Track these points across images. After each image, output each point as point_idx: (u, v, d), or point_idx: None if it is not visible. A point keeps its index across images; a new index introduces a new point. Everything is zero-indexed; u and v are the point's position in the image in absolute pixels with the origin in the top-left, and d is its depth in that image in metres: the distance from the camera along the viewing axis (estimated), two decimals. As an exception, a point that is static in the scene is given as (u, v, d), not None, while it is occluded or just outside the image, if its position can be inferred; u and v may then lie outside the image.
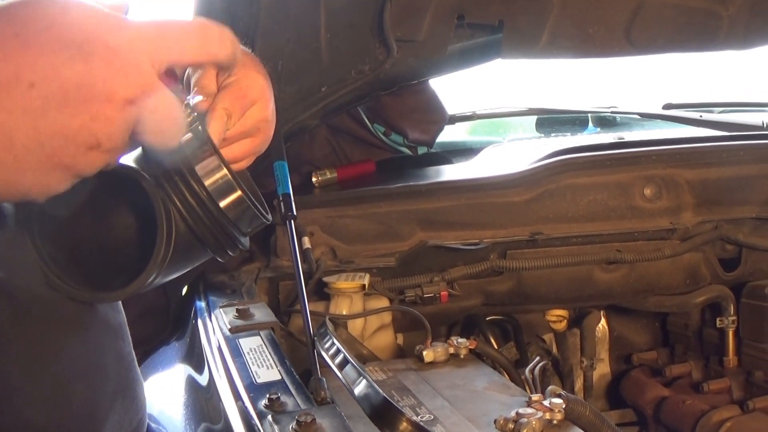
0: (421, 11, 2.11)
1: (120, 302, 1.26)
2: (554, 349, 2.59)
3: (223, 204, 0.99)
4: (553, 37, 2.24)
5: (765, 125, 2.77)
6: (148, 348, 2.11)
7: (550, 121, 4.01)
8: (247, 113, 1.10)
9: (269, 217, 1.11)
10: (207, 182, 0.98)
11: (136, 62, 0.80)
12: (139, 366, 2.10)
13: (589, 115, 4.00)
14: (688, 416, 2.24)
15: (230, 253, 1.07)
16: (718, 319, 2.35)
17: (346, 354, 1.46)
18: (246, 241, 1.09)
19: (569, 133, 3.95)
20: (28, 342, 1.02)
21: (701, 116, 3.00)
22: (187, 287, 2.21)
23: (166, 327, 2.20)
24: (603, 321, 2.66)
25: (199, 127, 0.99)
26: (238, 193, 1.00)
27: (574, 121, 4.06)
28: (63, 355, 1.07)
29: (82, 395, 1.10)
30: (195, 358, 1.73)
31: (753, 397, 2.20)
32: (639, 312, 2.58)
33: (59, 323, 1.07)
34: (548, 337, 2.61)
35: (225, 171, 0.99)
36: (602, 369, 2.67)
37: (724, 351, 2.36)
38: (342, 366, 1.44)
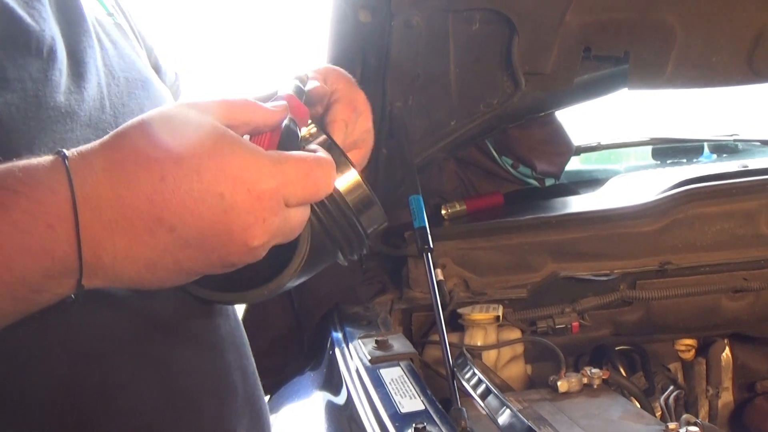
0: (549, 44, 2.12)
1: (241, 323, 1.30)
2: (680, 378, 2.58)
3: (350, 200, 1.03)
4: (678, 66, 2.23)
5: None
6: (280, 377, 2.15)
7: (667, 149, 3.97)
8: (356, 124, 1.17)
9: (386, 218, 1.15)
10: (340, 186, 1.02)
11: (274, 208, 0.85)
12: (273, 395, 2.15)
13: (705, 143, 3.96)
14: (814, 443, 2.23)
15: (356, 255, 1.11)
16: (844, 346, 2.33)
17: (488, 384, 1.49)
18: (366, 243, 1.13)
19: (685, 160, 3.93)
20: (157, 359, 1.05)
21: (823, 142, 2.97)
22: (321, 319, 2.24)
23: (299, 357, 2.23)
24: (727, 349, 2.63)
25: (323, 135, 1.04)
26: (365, 190, 1.04)
27: (691, 149, 4.02)
28: (191, 372, 1.10)
29: (212, 411, 1.13)
30: (334, 387, 1.76)
31: None
32: (762, 339, 2.54)
33: (186, 340, 1.11)
34: (673, 366, 2.59)
35: (355, 173, 1.03)
36: (725, 397, 2.63)
37: None
38: (484, 396, 1.47)
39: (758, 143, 3.32)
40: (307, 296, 2.21)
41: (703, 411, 2.58)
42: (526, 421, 1.31)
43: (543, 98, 2.35)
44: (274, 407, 2.00)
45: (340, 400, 1.68)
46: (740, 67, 2.28)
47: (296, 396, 1.97)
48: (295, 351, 2.27)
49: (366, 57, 2.03)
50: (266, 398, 2.26)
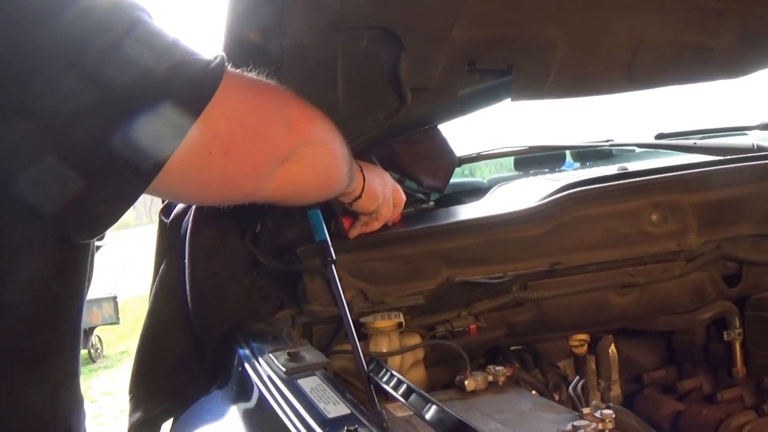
0: (435, 60, 2.19)
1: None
2: (570, 375, 2.66)
3: None
4: (560, 77, 2.34)
5: (755, 147, 2.88)
6: (184, 398, 2.12)
7: (530, 159, 4.05)
8: None
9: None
10: None
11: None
12: (179, 417, 2.14)
13: (567, 152, 4.07)
14: (707, 425, 2.33)
15: None
16: (725, 333, 2.46)
17: (409, 384, 1.54)
18: None
19: (547, 169, 4.03)
20: None
21: (695, 143, 3.10)
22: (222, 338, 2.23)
23: (202, 377, 2.22)
24: (612, 344, 2.72)
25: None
26: None
27: (554, 158, 4.12)
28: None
29: None
30: (252, 403, 1.76)
31: (766, 402, 2.32)
32: (645, 333, 2.67)
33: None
34: (562, 363, 2.68)
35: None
36: (614, 390, 2.72)
37: (732, 362, 2.46)
38: (407, 395, 1.52)
39: (634, 147, 3.45)
40: (205, 317, 2.21)
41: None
42: (454, 414, 1.36)
43: (428, 112, 2.42)
44: (182, 430, 1.98)
45: (259, 414, 1.70)
46: (619, 76, 2.39)
47: (207, 416, 1.94)
48: (197, 372, 2.25)
49: (259, 73, 2.04)
50: (170, 421, 2.25)
